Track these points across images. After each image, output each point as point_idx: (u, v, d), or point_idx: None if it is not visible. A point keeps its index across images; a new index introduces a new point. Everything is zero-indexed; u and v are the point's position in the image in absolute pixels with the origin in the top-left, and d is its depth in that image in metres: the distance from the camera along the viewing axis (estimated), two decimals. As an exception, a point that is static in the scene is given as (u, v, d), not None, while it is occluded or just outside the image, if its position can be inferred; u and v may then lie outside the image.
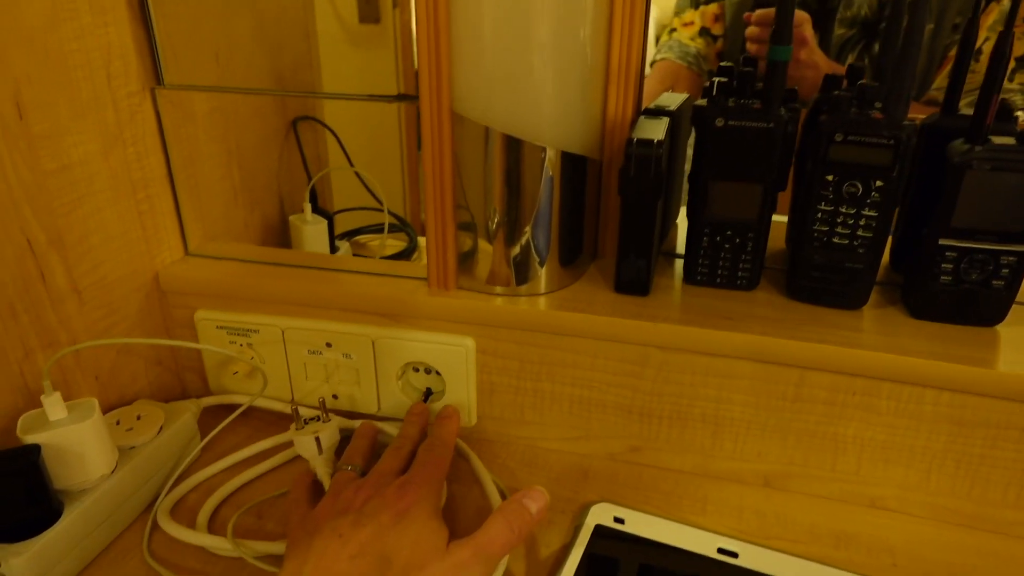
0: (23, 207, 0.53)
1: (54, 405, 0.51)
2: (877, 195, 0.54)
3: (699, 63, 1.10)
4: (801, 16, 0.96)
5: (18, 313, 0.53)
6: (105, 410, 0.61)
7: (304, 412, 0.61)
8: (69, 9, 0.54)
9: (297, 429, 0.59)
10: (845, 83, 0.62)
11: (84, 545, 0.52)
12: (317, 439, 0.57)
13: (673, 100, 0.66)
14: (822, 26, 1.00)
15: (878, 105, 0.55)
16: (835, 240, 0.56)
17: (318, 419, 0.60)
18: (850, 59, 1.01)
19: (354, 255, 0.93)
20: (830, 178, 0.55)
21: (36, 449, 0.49)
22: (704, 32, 1.11)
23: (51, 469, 0.51)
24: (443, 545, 0.46)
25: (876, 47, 0.99)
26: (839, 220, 0.56)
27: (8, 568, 0.47)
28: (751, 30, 0.97)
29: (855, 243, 0.56)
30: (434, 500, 0.50)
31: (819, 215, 0.56)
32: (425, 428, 0.61)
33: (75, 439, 0.51)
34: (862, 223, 0.55)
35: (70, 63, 0.55)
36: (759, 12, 0.97)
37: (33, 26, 0.52)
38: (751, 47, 0.97)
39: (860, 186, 0.54)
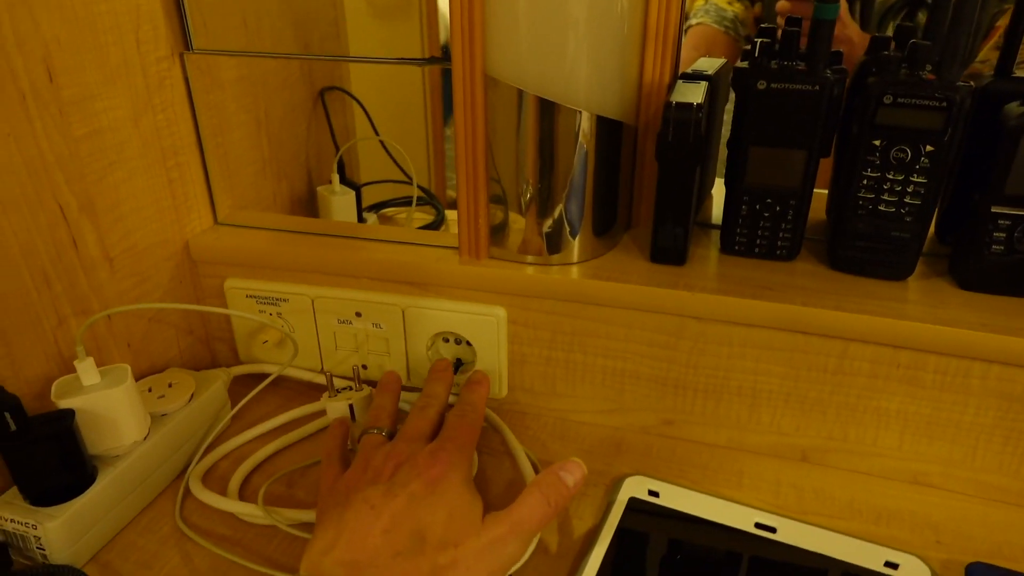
0: (55, 172, 0.52)
1: (88, 370, 0.51)
2: (927, 161, 0.52)
3: (736, 28, 1.07)
4: None
5: (51, 280, 0.53)
6: (137, 378, 0.61)
7: (337, 383, 0.61)
8: (98, -29, 0.53)
9: (330, 397, 0.58)
10: (893, 45, 0.59)
11: (117, 510, 0.53)
12: (351, 407, 0.56)
13: (711, 64, 0.64)
14: (864, -6, 0.97)
15: (929, 67, 0.52)
16: (881, 208, 0.54)
17: (351, 388, 0.60)
18: (891, 26, 0.97)
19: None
20: (877, 143, 0.52)
21: (70, 414, 0.49)
22: None
23: (85, 434, 0.51)
24: (478, 519, 0.45)
25: (920, 16, 0.96)
26: (886, 187, 0.53)
27: (43, 531, 0.47)
28: (782, 4, 0.94)
29: (902, 211, 0.54)
30: (466, 468, 0.48)
31: (864, 182, 0.54)
32: (450, 386, 0.59)
33: (108, 404, 0.51)
34: (910, 190, 0.53)
35: (99, 27, 0.54)
36: None
37: (62, -12, 0.51)
38: (781, 21, 0.94)
39: (909, 151, 0.52)
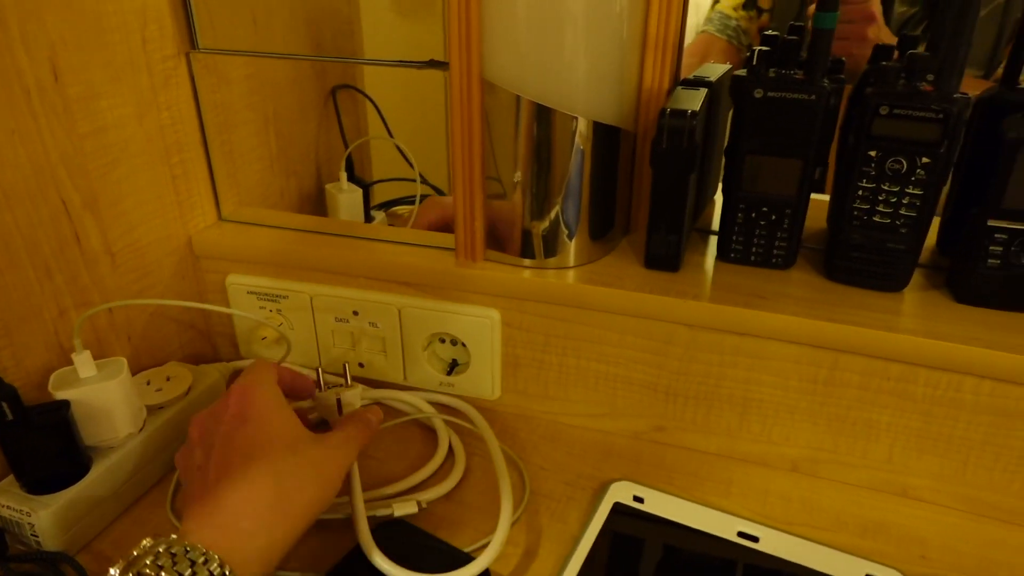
0: (58, 168, 0.54)
1: (84, 363, 0.52)
2: (922, 172, 0.51)
3: (739, 37, 1.06)
4: None
5: (53, 273, 0.55)
6: (138, 371, 0.62)
7: (333, 380, 0.61)
8: (104, -29, 0.55)
9: (320, 391, 0.59)
10: (896, 55, 0.59)
11: (111, 500, 0.54)
12: (339, 400, 0.56)
13: (714, 71, 0.64)
14: (883, 3, 0.96)
15: (929, 78, 0.52)
16: (876, 219, 0.54)
17: (341, 385, 0.60)
18: None
19: (389, 226, 0.93)
20: (873, 153, 0.52)
21: (66, 404, 0.51)
22: (750, 3, 1.06)
23: (81, 425, 0.52)
24: (303, 431, 0.47)
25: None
26: (881, 198, 0.53)
27: (37, 519, 0.49)
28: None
29: (897, 223, 0.53)
30: (276, 396, 0.48)
31: (860, 192, 0.53)
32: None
33: (104, 396, 0.52)
34: (905, 202, 0.52)
35: (105, 26, 0.55)
36: None
37: (68, -12, 0.52)
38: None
39: (905, 162, 0.51)
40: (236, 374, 0.66)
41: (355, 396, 0.57)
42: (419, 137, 0.94)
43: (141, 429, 0.55)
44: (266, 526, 0.40)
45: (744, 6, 1.05)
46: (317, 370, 0.57)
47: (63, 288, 0.56)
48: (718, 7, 1.07)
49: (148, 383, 0.60)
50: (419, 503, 0.54)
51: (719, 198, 0.72)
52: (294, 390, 0.55)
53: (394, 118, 0.94)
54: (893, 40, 0.92)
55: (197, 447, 0.46)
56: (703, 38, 1.05)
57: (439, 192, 0.94)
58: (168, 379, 0.61)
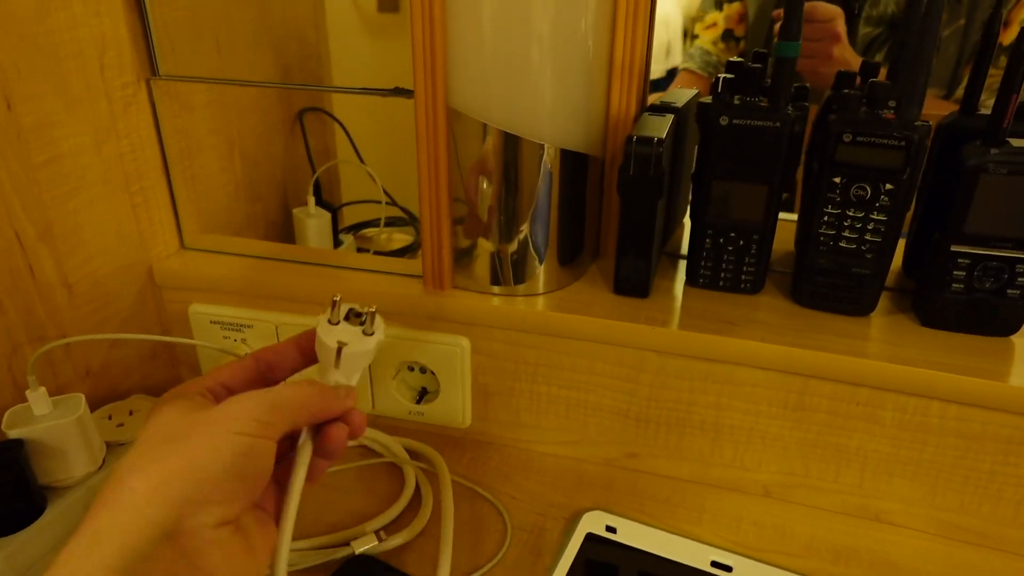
0: (11, 200, 0.52)
1: (39, 400, 0.51)
2: (886, 199, 0.52)
3: (719, 71, 1.07)
4: (833, 11, 0.92)
5: (5, 308, 0.53)
6: (97, 404, 0.60)
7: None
8: (60, -1, 0.53)
9: (330, 320, 0.42)
10: (859, 80, 0.60)
11: (67, 541, 0.52)
12: (339, 349, 0.41)
13: (680, 96, 0.64)
14: (848, 24, 0.97)
15: (891, 104, 0.52)
16: (842, 244, 0.54)
17: (363, 321, 0.43)
18: (878, 57, 0.97)
19: (358, 249, 0.92)
20: (837, 180, 0.52)
21: (19, 444, 0.49)
22: (727, 35, 1.07)
23: (35, 464, 0.50)
24: (189, 410, 0.36)
25: None
26: (846, 224, 0.53)
27: (-13, 565, 0.47)
28: (779, 12, 0.94)
29: (863, 248, 0.54)
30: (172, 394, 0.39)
31: (825, 218, 0.54)
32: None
33: (59, 435, 0.51)
34: (870, 227, 0.53)
35: (61, 54, 0.54)
36: None
37: (22, 16, 0.51)
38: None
39: (869, 189, 0.52)
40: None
41: (363, 352, 0.42)
42: (388, 159, 0.93)
43: (100, 467, 0.54)
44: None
45: (722, 37, 1.06)
46: (336, 300, 0.42)
47: (16, 322, 0.54)
48: (697, 43, 1.08)
49: (109, 418, 0.59)
50: (378, 534, 0.52)
51: (688, 222, 0.72)
52: (274, 368, 0.42)
53: (362, 140, 0.93)
54: (858, 59, 0.94)
55: None
56: (685, 76, 1.06)
57: (410, 216, 0.93)
58: (131, 413, 0.59)
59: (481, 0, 0.50)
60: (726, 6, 1.06)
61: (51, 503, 0.51)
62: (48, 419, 0.50)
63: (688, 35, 1.09)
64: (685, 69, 1.07)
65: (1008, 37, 0.80)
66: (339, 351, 0.41)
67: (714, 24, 1.07)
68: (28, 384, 0.50)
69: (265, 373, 0.42)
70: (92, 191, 0.58)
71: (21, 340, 0.54)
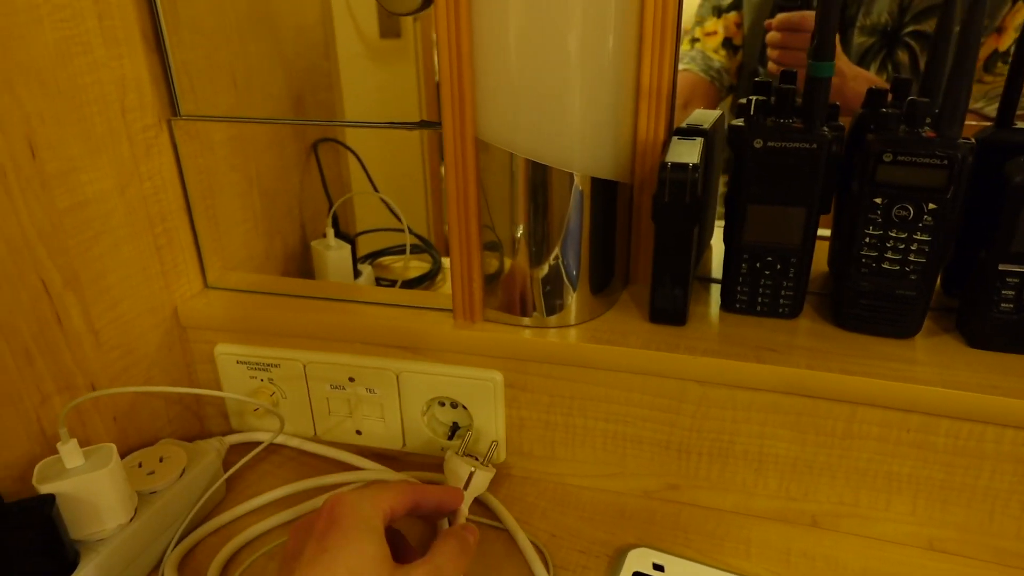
0: (37, 248, 0.51)
1: (71, 453, 0.49)
2: (930, 218, 0.51)
3: (721, 77, 1.07)
4: None
5: (34, 357, 0.52)
6: (125, 450, 0.59)
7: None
8: (81, 43, 0.53)
9: (459, 454, 0.58)
10: (890, 97, 0.59)
11: (101, 599, 0.51)
12: (471, 476, 0.55)
13: (706, 118, 0.63)
14: (841, 34, 0.96)
15: (928, 122, 0.51)
16: (885, 266, 0.53)
17: (478, 459, 0.58)
18: (872, 68, 0.96)
19: (377, 279, 0.91)
20: (879, 201, 0.51)
21: (51, 500, 0.48)
22: (727, 43, 1.07)
23: (67, 518, 0.49)
24: (385, 569, 0.41)
25: (899, 55, 0.95)
26: (889, 245, 0.52)
27: (22, 628, 0.45)
28: (772, 36, 0.93)
29: (907, 269, 0.52)
30: (366, 521, 0.43)
31: (867, 240, 0.53)
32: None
33: (92, 488, 0.49)
34: (914, 248, 0.52)
35: (83, 98, 0.53)
36: (781, 17, 0.92)
37: (44, 62, 0.50)
38: (772, 54, 0.93)
39: (911, 209, 0.51)
40: (232, 449, 0.63)
41: (486, 480, 0.56)
42: (399, 188, 0.93)
43: (132, 518, 0.52)
44: None
45: (723, 45, 1.06)
46: (492, 443, 0.59)
47: (44, 372, 0.53)
48: (698, 46, 1.07)
49: (140, 465, 0.57)
50: None
51: (716, 243, 0.71)
52: (441, 508, 0.51)
53: (373, 168, 0.93)
54: (853, 69, 0.92)
55: (291, 559, 0.43)
56: (686, 77, 1.05)
57: (426, 244, 0.92)
58: (161, 460, 0.58)
59: (507, 30, 0.50)
60: (724, 15, 1.05)
61: (84, 558, 0.49)
62: (80, 472, 0.49)
63: (689, 37, 1.08)
64: (686, 70, 1.06)
65: (1004, 43, 0.80)
66: (469, 479, 0.55)
67: (714, 32, 1.06)
68: (59, 436, 0.49)
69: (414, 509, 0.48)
70: (116, 235, 0.58)
71: (50, 391, 0.53)
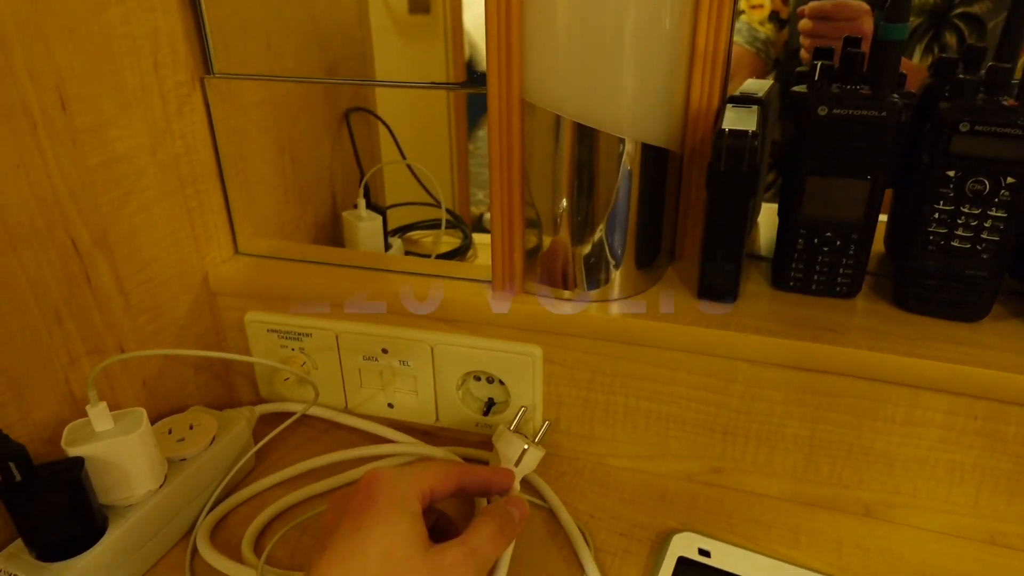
0: (67, 205, 0.50)
1: (100, 416, 0.48)
2: (1007, 193, 0.47)
3: (767, 49, 1.03)
4: (861, 8, 0.88)
5: (63, 318, 0.50)
6: (154, 416, 0.58)
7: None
8: (115, -8, 0.51)
9: (510, 428, 0.53)
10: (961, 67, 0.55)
11: (130, 563, 0.49)
12: (523, 453, 0.51)
13: (760, 87, 0.60)
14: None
15: (1010, 96, 0.48)
16: (954, 244, 0.50)
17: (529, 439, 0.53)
18: (918, 50, 0.92)
19: (407, 253, 0.89)
20: (951, 173, 0.48)
21: (80, 463, 0.46)
22: (774, 16, 1.03)
23: (96, 483, 0.47)
24: (419, 548, 0.40)
25: (946, 37, 0.91)
26: (960, 221, 0.49)
27: (49, 593, 0.44)
28: (804, 23, 0.90)
29: (978, 247, 0.49)
30: (402, 500, 0.41)
31: (936, 215, 0.50)
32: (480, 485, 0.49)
33: (121, 452, 0.48)
34: (987, 225, 0.48)
35: (115, 51, 0.51)
36: (813, 4, 0.89)
37: (76, 10, 0.48)
38: (804, 42, 0.90)
39: (987, 183, 0.47)
40: (262, 419, 0.62)
41: (536, 459, 0.52)
42: (425, 160, 0.90)
43: (162, 485, 0.51)
44: None
45: (769, 18, 1.02)
46: (545, 423, 0.56)
47: (74, 334, 0.51)
48: (743, 18, 1.04)
49: (170, 432, 0.56)
50: None
51: (765, 220, 0.68)
52: (489, 489, 0.49)
53: (402, 138, 0.90)
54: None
55: (324, 534, 0.41)
56: (733, 49, 1.01)
57: (457, 219, 0.90)
58: (191, 427, 0.56)
59: (559, -16, 0.47)
60: None
61: (112, 523, 0.48)
62: (110, 435, 0.48)
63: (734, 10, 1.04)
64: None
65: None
66: (521, 456, 0.51)
67: (760, 5, 1.03)
68: (88, 398, 0.47)
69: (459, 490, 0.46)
70: (147, 195, 0.56)
71: (79, 352, 0.52)
